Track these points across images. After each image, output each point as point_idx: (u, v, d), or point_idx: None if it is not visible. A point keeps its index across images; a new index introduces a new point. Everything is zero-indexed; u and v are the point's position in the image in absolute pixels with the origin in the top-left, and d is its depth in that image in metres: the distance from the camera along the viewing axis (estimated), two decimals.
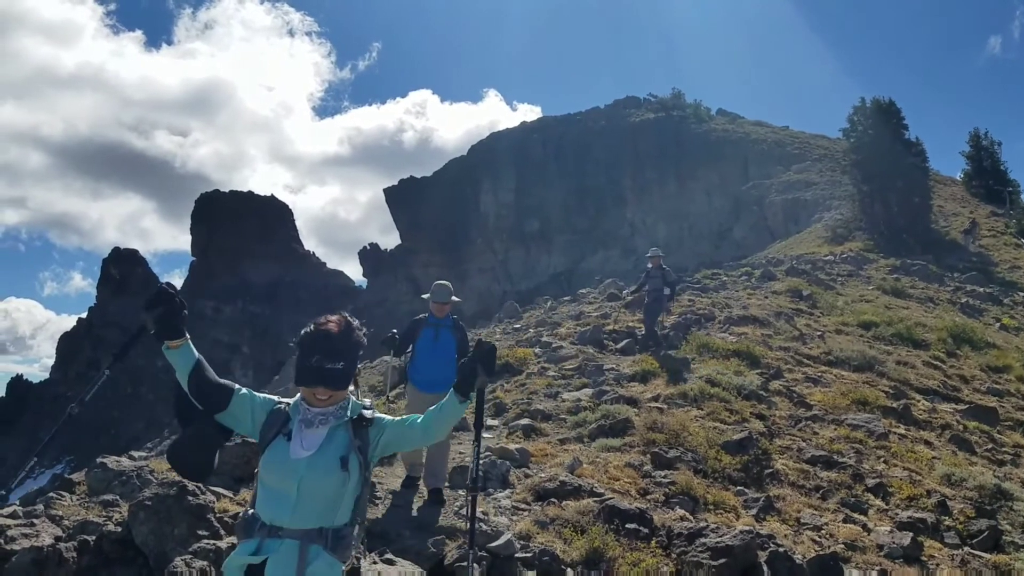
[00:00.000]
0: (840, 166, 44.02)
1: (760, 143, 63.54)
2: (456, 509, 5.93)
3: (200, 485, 5.48)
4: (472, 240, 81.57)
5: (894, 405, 10.42)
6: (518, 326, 18.99)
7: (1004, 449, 9.74)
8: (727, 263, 31.37)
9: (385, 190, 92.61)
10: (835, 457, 8.03)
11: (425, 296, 6.90)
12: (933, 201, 38.98)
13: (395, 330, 7.02)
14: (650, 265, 14.07)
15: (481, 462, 7.03)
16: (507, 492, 6.47)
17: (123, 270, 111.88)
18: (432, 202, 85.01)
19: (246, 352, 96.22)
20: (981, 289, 24.19)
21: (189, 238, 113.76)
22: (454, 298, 6.84)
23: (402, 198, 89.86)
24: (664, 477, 7.04)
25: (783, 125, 70.84)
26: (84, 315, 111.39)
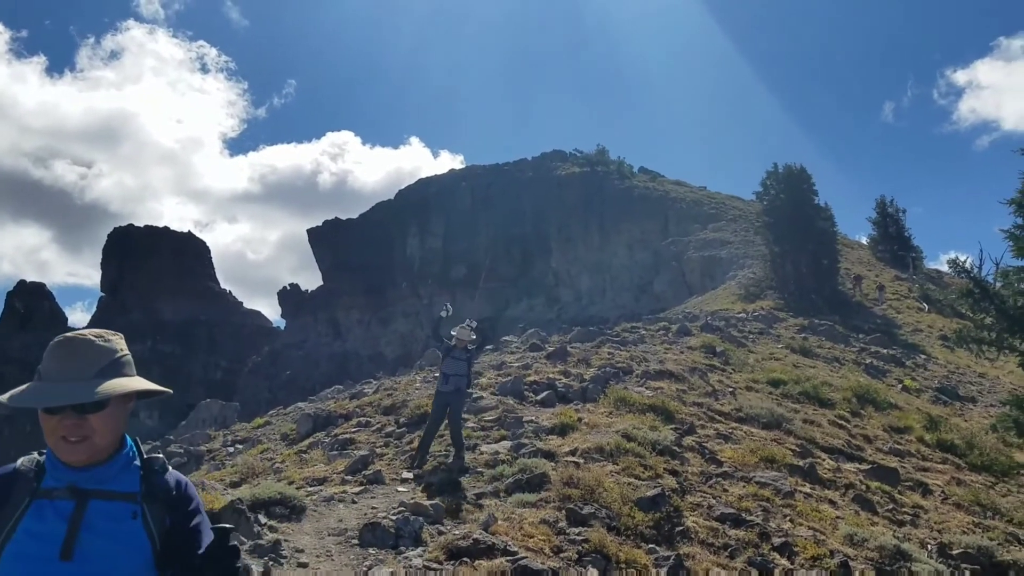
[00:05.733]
0: (754, 227, 46.06)
1: (679, 201, 65.76)
2: (365, 570, 5.78)
3: None
4: (397, 284, 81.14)
5: (800, 463, 10.75)
6: (438, 374, 18.82)
7: (904, 509, 10.13)
8: (646, 316, 32.07)
9: (309, 230, 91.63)
10: (743, 515, 8.20)
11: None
12: (841, 264, 40.91)
13: None
14: (454, 344, 10.20)
15: (394, 518, 6.92)
16: (419, 550, 6.35)
17: (28, 304, 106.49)
18: (357, 244, 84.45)
19: None
20: (885, 351, 25.38)
21: (90, 272, 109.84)
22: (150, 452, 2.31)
23: (325, 239, 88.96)
24: (578, 534, 7.04)
25: (701, 185, 73.70)
26: None
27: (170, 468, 2.25)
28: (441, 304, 11.23)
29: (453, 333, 10.27)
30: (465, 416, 12.34)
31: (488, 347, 23.36)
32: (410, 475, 9.19)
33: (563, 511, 7.58)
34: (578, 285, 70.50)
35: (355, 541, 6.51)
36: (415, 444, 10.31)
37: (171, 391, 2.22)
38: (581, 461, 9.31)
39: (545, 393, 13.82)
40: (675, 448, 10.28)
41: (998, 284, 19.21)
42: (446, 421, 9.98)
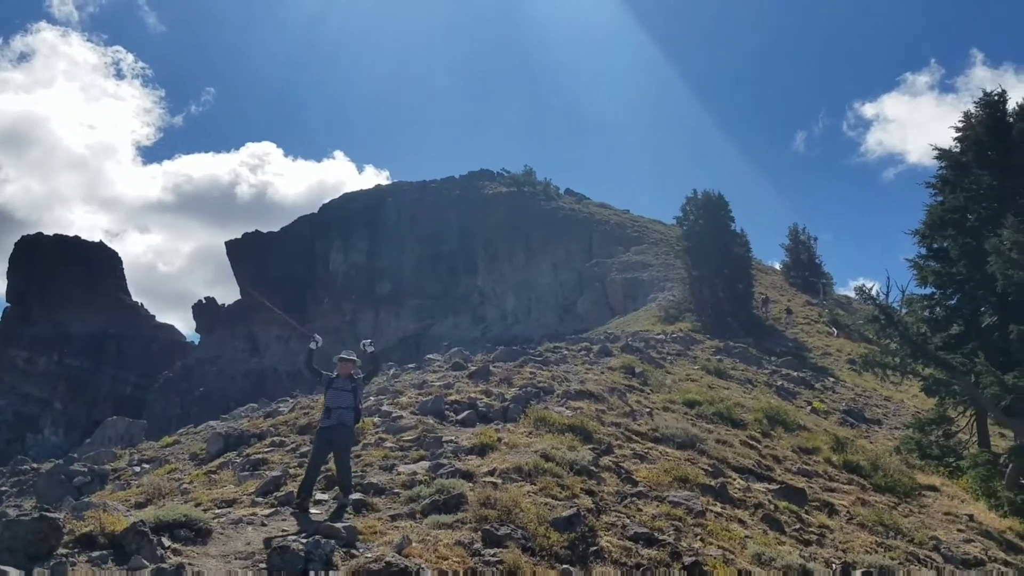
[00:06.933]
0: (674, 251, 47.27)
1: (604, 224, 66.93)
2: None
3: None
4: (319, 299, 79.77)
5: (712, 483, 10.99)
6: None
7: (811, 529, 10.46)
8: (570, 336, 32.42)
9: (227, 243, 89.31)
10: (656, 534, 8.33)
11: None
12: (755, 288, 42.29)
13: None
14: (337, 373, 9.15)
15: (304, 541, 6.76)
16: (329, 575, 6.21)
17: None
18: (278, 258, 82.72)
19: (58, 408, 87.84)
20: (795, 373, 26.30)
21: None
22: None
23: (245, 252, 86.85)
24: (493, 556, 7.02)
25: (624, 208, 75.20)
26: None
27: None
28: (311, 334, 9.96)
29: (337, 359, 9.28)
30: (384, 436, 12.17)
31: (410, 365, 23.16)
32: (324, 496, 8.98)
33: (479, 532, 7.55)
34: (503, 304, 70.74)
35: (263, 565, 6.32)
36: (330, 467, 9.32)
37: None
38: (499, 481, 9.29)
39: (466, 413, 13.77)
40: (592, 468, 10.38)
41: (904, 311, 20.18)
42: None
